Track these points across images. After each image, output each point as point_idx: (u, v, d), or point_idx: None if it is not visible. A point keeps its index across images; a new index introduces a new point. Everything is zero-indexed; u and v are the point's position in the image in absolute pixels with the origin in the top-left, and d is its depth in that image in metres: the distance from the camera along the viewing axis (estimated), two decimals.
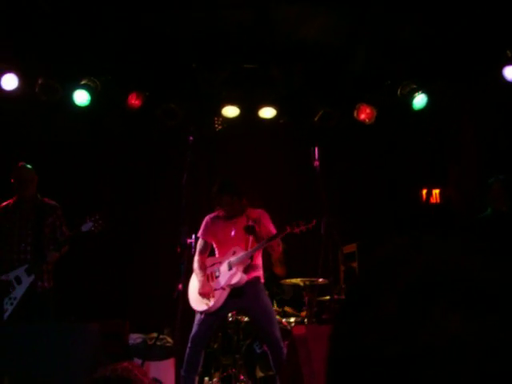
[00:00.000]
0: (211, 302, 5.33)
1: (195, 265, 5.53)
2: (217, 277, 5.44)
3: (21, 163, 5.99)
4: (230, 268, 5.39)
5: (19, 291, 5.56)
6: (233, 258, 5.41)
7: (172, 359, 5.88)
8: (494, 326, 0.62)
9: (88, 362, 3.94)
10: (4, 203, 5.97)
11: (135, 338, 6.43)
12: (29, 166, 5.96)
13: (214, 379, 6.32)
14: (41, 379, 3.39)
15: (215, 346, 6.39)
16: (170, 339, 6.42)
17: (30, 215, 5.88)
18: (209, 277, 5.45)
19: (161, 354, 6.20)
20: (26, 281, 5.58)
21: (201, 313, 5.35)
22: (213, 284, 5.42)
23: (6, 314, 5.43)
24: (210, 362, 6.26)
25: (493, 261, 0.68)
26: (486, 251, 0.69)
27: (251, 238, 5.46)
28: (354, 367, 0.67)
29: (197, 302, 5.41)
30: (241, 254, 5.39)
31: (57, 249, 5.71)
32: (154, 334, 6.32)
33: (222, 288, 5.35)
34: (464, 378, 0.61)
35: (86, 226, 5.61)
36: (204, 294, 5.34)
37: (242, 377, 6.06)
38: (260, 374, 6.25)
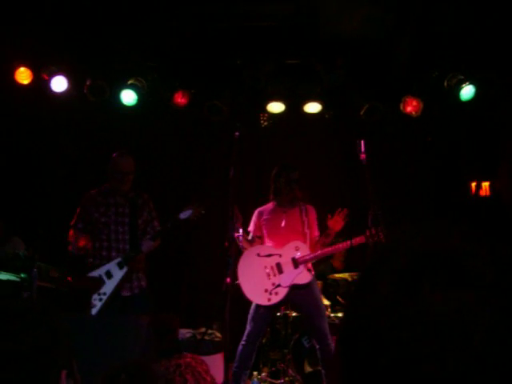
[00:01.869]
0: (274, 299, 5.28)
1: (246, 247, 5.49)
2: (280, 272, 5.39)
3: (121, 152, 5.55)
4: (297, 266, 5.37)
5: (110, 286, 5.22)
6: (297, 255, 5.36)
7: (221, 354, 5.92)
8: (469, 304, 0.70)
9: (138, 355, 4.00)
10: (92, 191, 5.56)
11: (185, 332, 6.50)
12: (130, 156, 5.54)
13: (263, 374, 6.35)
14: (96, 367, 3.48)
15: (264, 341, 6.42)
16: (218, 334, 6.47)
17: (126, 210, 5.49)
18: (269, 271, 5.41)
19: (210, 348, 6.25)
20: (118, 274, 5.25)
21: (258, 306, 5.32)
22: (275, 279, 5.34)
23: (95, 310, 5.09)
24: (258, 357, 6.29)
25: (474, 245, 0.75)
26: (469, 236, 0.77)
27: (307, 232, 5.45)
28: (355, 345, 0.76)
29: (256, 295, 5.33)
30: (307, 253, 5.36)
31: (153, 238, 5.37)
32: (203, 329, 6.39)
33: (288, 287, 5.33)
34: (444, 348, 0.69)
35: (185, 214, 5.26)
36: None
37: (290, 371, 6.08)
38: (308, 369, 6.26)
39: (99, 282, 5.17)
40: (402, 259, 0.76)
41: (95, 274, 5.25)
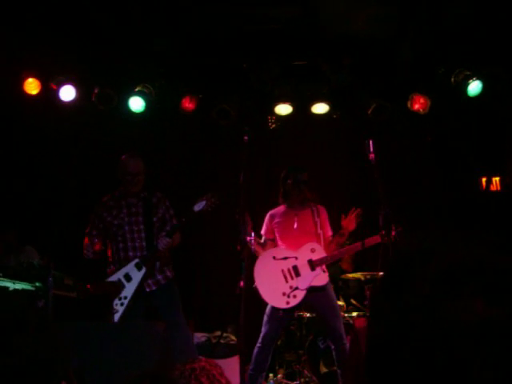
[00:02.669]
0: (293, 302, 5.29)
1: (260, 252, 5.50)
2: (297, 275, 5.40)
3: (129, 153, 5.52)
4: (314, 268, 5.38)
5: (130, 289, 5.15)
6: (314, 257, 5.37)
7: (236, 357, 5.94)
8: (509, 309, 0.73)
9: (154, 360, 4.02)
10: (104, 198, 5.54)
11: (199, 336, 6.52)
12: (139, 157, 5.51)
13: (279, 375, 6.36)
14: (108, 375, 3.50)
15: (279, 343, 6.43)
16: (233, 337, 6.49)
17: (139, 209, 5.44)
18: (286, 274, 5.42)
19: (225, 351, 6.27)
20: (137, 276, 5.17)
21: (276, 309, 5.32)
22: (292, 282, 5.35)
23: (117, 315, 5.03)
24: (273, 359, 6.30)
25: (507, 255, 0.78)
26: (504, 248, 0.80)
27: (320, 233, 5.46)
28: (393, 343, 0.78)
29: (274, 298, 5.33)
30: (323, 255, 5.38)
31: (169, 234, 5.27)
32: (218, 333, 6.41)
33: (306, 289, 5.34)
34: (487, 349, 0.72)
35: (199, 205, 5.21)
36: None
37: (306, 372, 6.08)
38: (324, 370, 6.27)
39: (119, 287, 5.13)
40: (440, 268, 0.78)
41: (114, 278, 5.22)
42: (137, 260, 5.26)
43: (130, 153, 5.56)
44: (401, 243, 4.61)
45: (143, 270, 5.22)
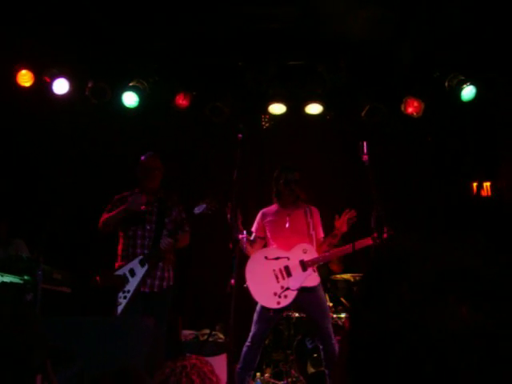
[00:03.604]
0: (283, 302, 5.28)
1: (252, 253, 5.50)
2: (289, 275, 5.39)
3: (148, 152, 5.84)
4: (305, 269, 5.38)
5: (133, 283, 5.36)
6: (306, 258, 5.37)
7: (224, 355, 5.92)
8: (495, 316, 0.72)
9: (143, 355, 4.02)
10: (125, 193, 5.76)
11: (187, 334, 6.51)
12: (157, 155, 5.82)
13: (266, 375, 6.36)
14: (104, 368, 3.49)
15: (267, 342, 6.42)
16: (221, 335, 6.48)
17: (154, 208, 5.68)
18: (277, 274, 5.41)
19: (213, 350, 6.25)
20: (140, 272, 5.39)
21: (267, 309, 5.31)
22: (283, 282, 5.34)
23: (120, 308, 5.23)
24: (261, 358, 6.29)
25: (494, 262, 0.78)
26: (491, 255, 0.79)
27: (313, 233, 5.46)
28: (375, 351, 0.76)
29: (265, 298, 5.32)
30: (315, 255, 5.38)
31: (170, 234, 5.48)
32: (206, 331, 6.39)
33: (297, 289, 5.33)
34: (472, 356, 0.71)
35: (199, 208, 5.37)
36: None
37: (293, 372, 6.08)
38: (311, 370, 6.27)
39: (123, 280, 5.34)
40: (426, 273, 0.77)
41: (120, 272, 5.43)
42: (141, 257, 5.47)
43: (149, 152, 5.86)
44: (387, 246, 4.59)
45: (146, 267, 5.44)
